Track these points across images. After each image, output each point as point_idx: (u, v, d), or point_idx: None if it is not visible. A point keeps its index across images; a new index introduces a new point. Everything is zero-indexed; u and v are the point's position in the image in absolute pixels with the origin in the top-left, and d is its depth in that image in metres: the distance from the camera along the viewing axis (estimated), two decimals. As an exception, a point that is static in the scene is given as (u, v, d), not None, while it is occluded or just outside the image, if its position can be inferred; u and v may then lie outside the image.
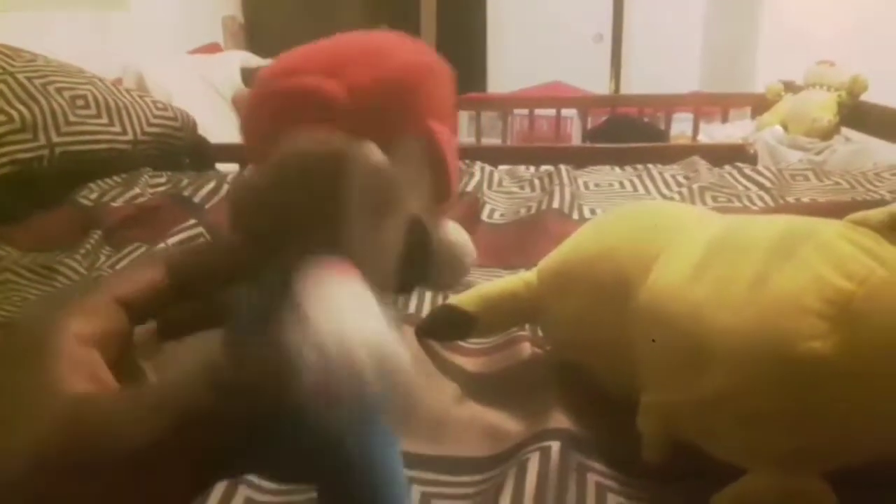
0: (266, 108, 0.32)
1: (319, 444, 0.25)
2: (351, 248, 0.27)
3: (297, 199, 0.27)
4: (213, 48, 3.06)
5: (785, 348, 0.38)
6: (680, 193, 1.18)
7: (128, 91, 1.44)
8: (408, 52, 0.34)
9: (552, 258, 0.62)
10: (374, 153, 0.28)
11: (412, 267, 0.31)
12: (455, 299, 0.64)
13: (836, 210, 1.08)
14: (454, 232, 0.37)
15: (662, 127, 3.17)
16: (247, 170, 0.28)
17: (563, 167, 1.38)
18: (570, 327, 0.58)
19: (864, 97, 2.43)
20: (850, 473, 0.40)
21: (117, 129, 1.33)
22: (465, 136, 3.93)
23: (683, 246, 0.49)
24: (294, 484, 0.33)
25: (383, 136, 0.29)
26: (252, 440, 0.24)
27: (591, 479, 0.48)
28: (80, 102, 1.28)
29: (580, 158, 1.68)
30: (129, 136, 1.35)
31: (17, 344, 0.27)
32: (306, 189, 0.27)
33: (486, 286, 0.65)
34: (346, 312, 0.24)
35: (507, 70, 4.16)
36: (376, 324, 0.24)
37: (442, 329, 0.64)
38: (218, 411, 0.23)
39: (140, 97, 1.45)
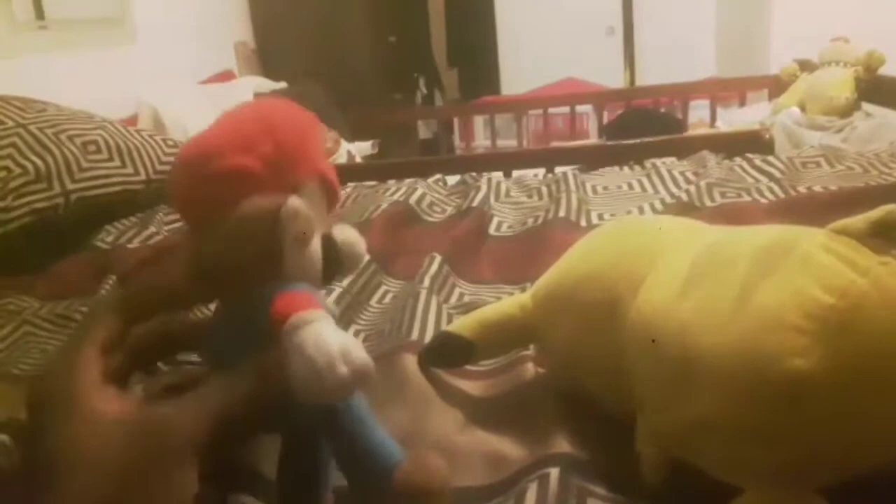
0: (200, 189, 0.40)
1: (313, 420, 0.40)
2: (290, 274, 0.39)
3: (247, 247, 0.38)
4: (226, 76, 3.11)
5: (767, 367, 0.38)
6: (688, 192, 1.17)
7: (138, 131, 1.47)
8: (288, 116, 0.43)
9: (545, 280, 0.62)
10: (294, 202, 0.39)
11: (328, 268, 0.42)
12: (453, 326, 0.64)
13: (848, 198, 1.07)
14: (345, 231, 0.46)
15: (679, 116, 3.14)
16: (181, 235, 0.45)
17: (570, 173, 1.38)
18: (565, 350, 0.58)
19: (881, 71, 2.37)
20: (847, 485, 0.40)
21: (129, 170, 1.36)
22: (482, 140, 3.94)
23: (670, 265, 0.49)
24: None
25: (292, 184, 0.41)
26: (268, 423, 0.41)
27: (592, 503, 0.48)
28: (92, 148, 1.31)
29: (595, 158, 1.68)
30: (142, 177, 1.38)
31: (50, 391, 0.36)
32: (254, 239, 0.38)
33: (483, 311, 0.65)
34: (322, 336, 0.34)
35: (519, 70, 4.16)
36: (345, 339, 0.35)
37: (442, 357, 0.65)
38: (248, 407, 0.35)
39: (150, 136, 1.48)
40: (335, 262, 0.43)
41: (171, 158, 1.46)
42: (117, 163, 1.35)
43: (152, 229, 1.25)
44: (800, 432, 0.38)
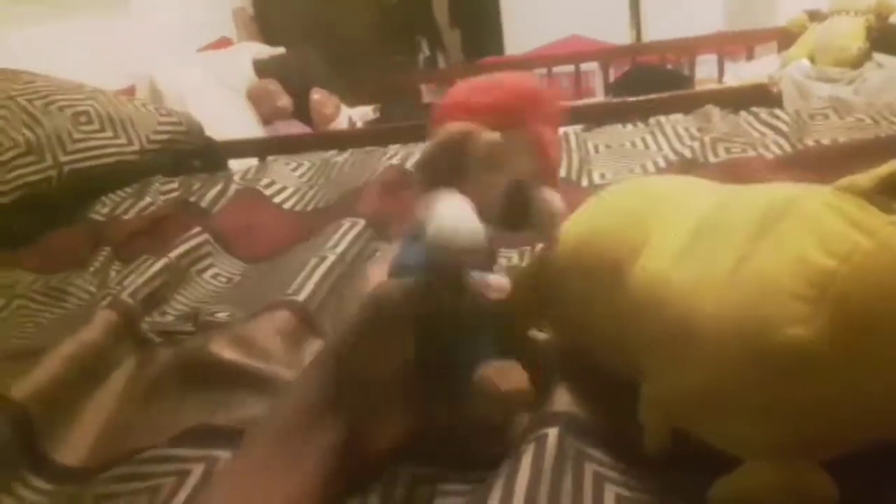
0: (446, 114, 0.52)
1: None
2: (468, 188, 0.48)
3: (440, 154, 0.49)
4: (224, 42, 3.06)
5: (766, 337, 0.36)
6: (692, 148, 1.14)
7: (130, 101, 1.44)
8: (519, 83, 0.54)
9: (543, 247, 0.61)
10: (488, 134, 0.49)
11: (511, 215, 0.49)
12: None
13: (858, 150, 1.03)
14: (546, 194, 0.51)
15: (687, 72, 3.07)
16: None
17: (571, 132, 1.35)
18: (570, 310, 0.57)
19: (893, 18, 2.30)
20: (852, 463, 0.38)
21: (123, 140, 1.34)
22: (487, 103, 3.87)
23: (672, 229, 0.48)
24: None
25: (504, 127, 0.50)
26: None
27: (590, 468, 0.47)
28: (83, 118, 1.29)
29: (599, 117, 1.64)
30: (136, 147, 1.36)
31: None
32: (446, 148, 0.49)
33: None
34: (445, 209, 0.46)
35: (523, 29, 4.07)
36: (462, 214, 0.46)
37: None
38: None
39: (143, 105, 1.45)
40: (521, 211, 0.50)
41: (165, 127, 1.45)
42: (110, 133, 1.32)
43: (148, 200, 1.24)
44: (801, 403, 0.37)
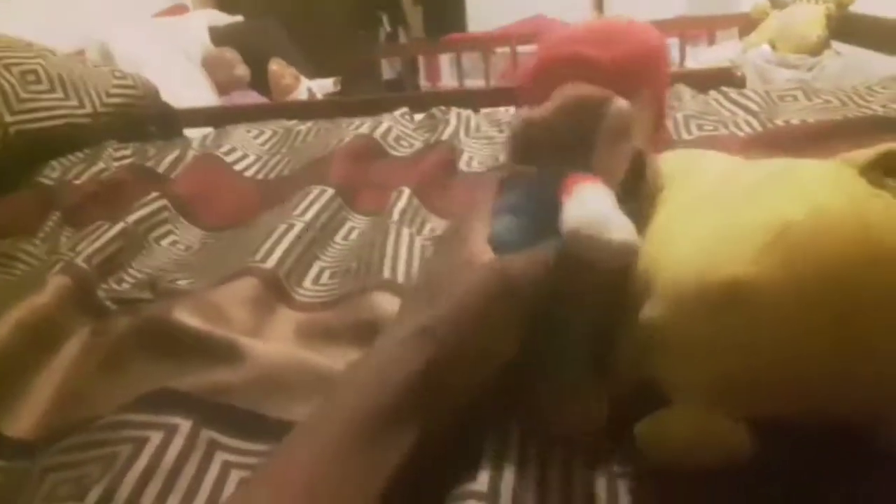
0: (547, 68, 0.45)
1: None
2: (595, 166, 0.41)
3: (571, 127, 0.41)
4: (179, 9, 2.96)
5: (710, 273, 0.36)
6: (664, 125, 1.13)
7: (82, 62, 1.37)
8: (646, 34, 0.48)
9: None
10: (621, 102, 0.41)
11: (629, 183, 0.42)
12: None
13: (827, 131, 1.04)
14: (655, 160, 0.46)
15: (648, 55, 3.08)
16: (523, 110, 0.45)
17: (542, 106, 1.33)
18: None
19: (852, 8, 2.34)
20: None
21: (74, 102, 1.27)
22: (448, 80, 3.85)
23: (680, 192, 0.47)
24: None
25: (629, 90, 0.42)
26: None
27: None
28: (31, 78, 1.22)
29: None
30: (88, 109, 1.29)
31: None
32: (577, 120, 0.41)
33: None
34: (589, 203, 0.38)
35: (486, 7, 4.04)
36: (606, 209, 0.37)
37: None
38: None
39: (96, 67, 1.38)
40: (638, 179, 0.43)
41: (120, 90, 1.38)
42: (60, 94, 1.25)
43: (101, 165, 1.17)
44: (728, 344, 0.36)
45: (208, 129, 1.54)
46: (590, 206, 0.37)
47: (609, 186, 0.40)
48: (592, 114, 0.41)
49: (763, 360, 0.35)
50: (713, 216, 0.40)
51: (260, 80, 2.65)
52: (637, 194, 0.44)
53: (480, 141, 1.21)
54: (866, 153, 0.38)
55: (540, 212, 0.41)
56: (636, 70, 0.44)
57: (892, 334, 0.34)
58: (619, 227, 0.36)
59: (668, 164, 0.55)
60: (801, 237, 0.34)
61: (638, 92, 0.43)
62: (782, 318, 0.34)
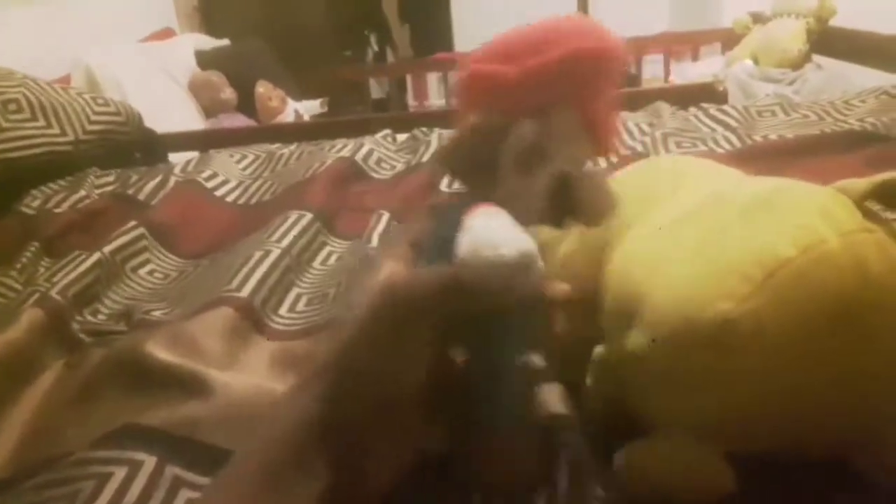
0: (462, 86, 0.41)
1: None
2: (504, 195, 0.38)
3: (479, 154, 0.39)
4: (166, 34, 2.97)
5: (699, 309, 0.35)
6: (644, 143, 1.14)
7: (64, 89, 1.37)
8: (580, 38, 0.40)
9: None
10: (522, 126, 0.38)
11: (559, 208, 0.39)
12: None
13: (804, 146, 1.05)
14: (595, 179, 0.42)
15: (634, 71, 3.10)
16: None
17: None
18: (563, 270, 0.55)
19: (832, 22, 2.36)
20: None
21: (55, 130, 1.27)
22: (436, 99, 3.86)
23: (667, 208, 0.46)
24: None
25: (548, 103, 0.39)
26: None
27: None
28: (13, 107, 1.22)
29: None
30: (70, 137, 1.29)
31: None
32: (485, 146, 0.39)
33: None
34: (477, 230, 0.35)
35: (473, 26, 4.06)
36: (495, 231, 0.35)
37: None
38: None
39: (78, 95, 1.38)
40: (569, 204, 0.40)
41: (102, 117, 1.38)
42: (41, 123, 1.25)
43: (82, 193, 1.17)
44: (716, 380, 0.36)
45: (194, 153, 1.54)
46: (477, 232, 0.35)
47: (519, 211, 0.37)
48: (498, 139, 0.39)
49: (753, 397, 0.35)
50: (703, 242, 0.39)
51: (247, 103, 2.66)
52: (567, 217, 0.41)
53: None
54: (861, 183, 0.37)
55: (442, 251, 0.37)
56: (553, 80, 0.39)
57: (887, 369, 0.34)
58: (509, 242, 0.34)
59: (643, 176, 0.55)
60: (794, 276, 0.34)
61: (562, 104, 0.39)
62: (774, 356, 0.34)
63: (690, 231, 0.41)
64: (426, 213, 0.45)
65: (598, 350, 0.46)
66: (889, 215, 0.38)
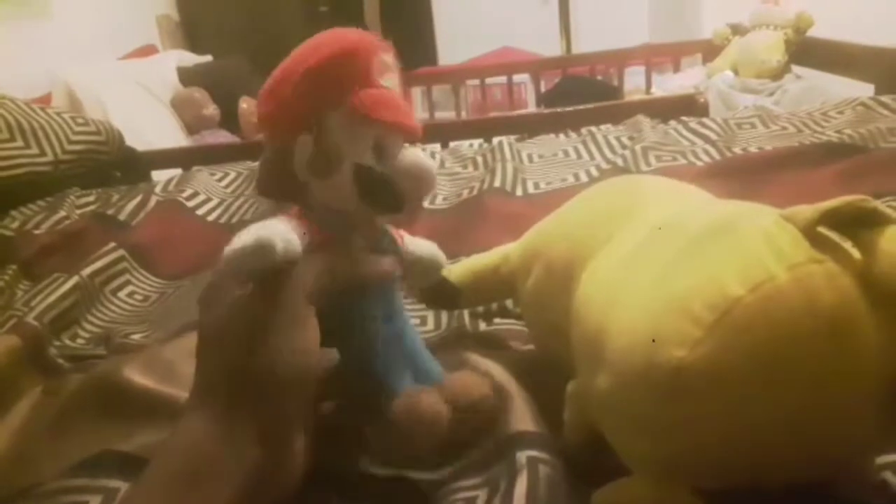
0: (259, 119, 0.45)
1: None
2: (319, 201, 0.43)
3: (271, 176, 0.45)
4: (148, 50, 2.96)
5: (653, 354, 0.35)
6: (624, 157, 1.14)
7: (43, 109, 1.36)
8: (332, 43, 0.44)
9: (527, 234, 0.60)
10: (302, 138, 0.42)
11: (376, 198, 0.43)
12: (446, 270, 0.62)
13: (783, 158, 1.06)
14: (414, 159, 0.44)
15: (616, 83, 3.13)
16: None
17: (505, 142, 1.34)
18: (531, 306, 0.56)
19: (811, 32, 2.39)
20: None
21: (34, 150, 1.26)
22: (420, 112, 3.87)
23: (628, 233, 0.46)
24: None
25: (317, 113, 0.43)
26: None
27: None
28: (-10, 127, 1.21)
29: (532, 126, 1.64)
30: (49, 157, 1.28)
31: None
32: (274, 171, 0.45)
33: (475, 259, 0.65)
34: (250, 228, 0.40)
35: (456, 40, 4.09)
36: (258, 230, 0.40)
37: (435, 298, 0.65)
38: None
39: (58, 114, 1.37)
40: (383, 191, 0.43)
41: (82, 137, 1.37)
42: (20, 143, 1.25)
43: (62, 213, 1.16)
44: (674, 426, 0.35)
45: (177, 170, 1.53)
46: (248, 230, 0.40)
47: (328, 213, 0.43)
48: (292, 156, 0.43)
49: (713, 439, 0.35)
50: (657, 276, 0.39)
51: (230, 120, 2.65)
52: (396, 204, 0.43)
53: (444, 177, 1.21)
54: (806, 211, 0.36)
55: None
56: (313, 90, 0.42)
57: (848, 400, 0.33)
58: (254, 233, 0.39)
59: (601, 199, 0.55)
60: (744, 317, 0.33)
61: (325, 112, 0.43)
62: (732, 398, 0.33)
63: (645, 263, 0.41)
64: None
65: (572, 385, 0.46)
66: (836, 241, 0.35)
